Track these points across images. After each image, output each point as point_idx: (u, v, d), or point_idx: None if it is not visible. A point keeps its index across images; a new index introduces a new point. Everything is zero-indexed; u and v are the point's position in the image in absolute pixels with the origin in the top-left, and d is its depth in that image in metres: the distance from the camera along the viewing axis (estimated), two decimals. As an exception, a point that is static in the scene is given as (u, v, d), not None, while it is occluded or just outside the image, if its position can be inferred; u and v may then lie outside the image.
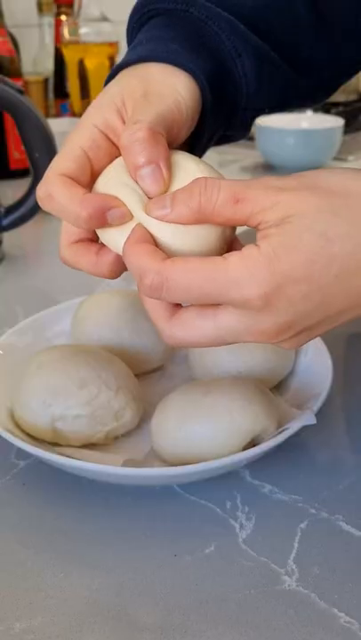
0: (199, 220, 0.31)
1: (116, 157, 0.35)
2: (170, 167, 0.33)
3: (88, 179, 0.34)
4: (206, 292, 0.29)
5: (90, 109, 0.36)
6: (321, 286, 0.29)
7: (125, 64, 0.37)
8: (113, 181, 0.33)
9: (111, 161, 0.35)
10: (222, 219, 0.30)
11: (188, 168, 0.34)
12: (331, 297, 0.30)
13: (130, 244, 0.31)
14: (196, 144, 0.40)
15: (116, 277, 0.35)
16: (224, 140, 0.45)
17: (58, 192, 0.33)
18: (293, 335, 0.31)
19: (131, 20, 0.41)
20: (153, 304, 0.32)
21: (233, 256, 0.29)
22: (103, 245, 0.35)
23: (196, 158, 0.35)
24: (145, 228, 0.31)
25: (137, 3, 0.40)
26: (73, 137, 0.35)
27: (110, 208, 0.32)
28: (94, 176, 0.35)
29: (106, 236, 0.34)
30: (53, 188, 0.33)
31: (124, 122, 0.35)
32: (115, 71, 0.38)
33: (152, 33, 0.38)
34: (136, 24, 0.41)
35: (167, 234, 0.31)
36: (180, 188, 0.31)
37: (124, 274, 0.35)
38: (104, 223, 0.32)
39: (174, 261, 0.30)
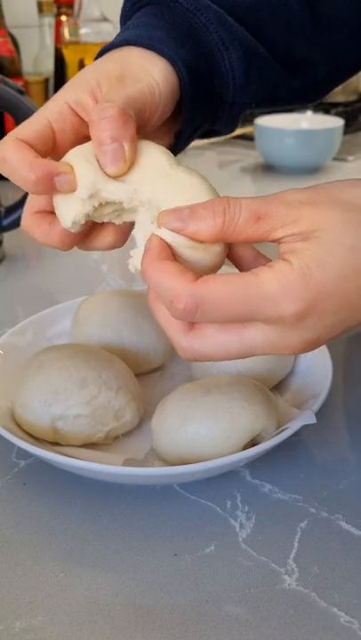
0: (219, 238, 0.30)
1: (84, 135, 0.35)
2: (134, 150, 0.33)
3: (48, 148, 0.35)
4: (241, 311, 0.29)
5: (64, 87, 0.36)
6: (350, 300, 0.29)
7: (110, 47, 0.38)
8: (75, 153, 0.34)
9: (77, 136, 0.35)
10: (243, 237, 0.30)
11: (153, 156, 0.34)
12: (355, 310, 0.30)
13: (152, 260, 0.30)
14: (178, 135, 0.40)
15: (67, 249, 0.36)
16: (211, 133, 0.44)
17: (10, 154, 0.32)
18: (313, 347, 0.31)
19: (124, 7, 0.41)
20: (168, 319, 0.31)
21: (265, 273, 0.29)
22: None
23: (163, 148, 0.35)
24: (162, 240, 0.31)
25: None
26: (42, 109, 0.35)
27: (58, 174, 0.32)
28: (58, 148, 0.35)
29: (55, 207, 0.34)
30: (7, 151, 0.33)
31: (96, 101, 0.35)
32: (99, 54, 0.38)
33: (140, 20, 0.39)
34: (128, 12, 0.41)
35: (180, 247, 0.31)
36: (199, 203, 0.31)
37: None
38: (51, 189, 0.32)
39: (207, 282, 0.29)
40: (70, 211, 0.33)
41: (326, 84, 0.48)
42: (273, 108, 0.46)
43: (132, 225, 0.37)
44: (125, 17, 0.41)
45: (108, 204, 0.34)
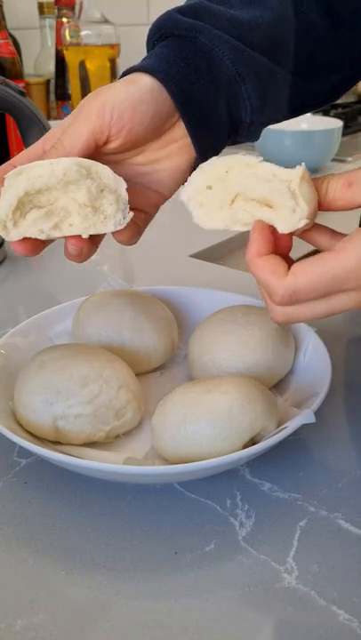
0: (323, 207, 0.36)
1: None
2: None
3: None
4: (329, 290, 0.34)
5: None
6: None
7: (130, 70, 0.42)
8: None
9: None
10: (343, 202, 0.36)
11: None
12: None
13: (252, 256, 0.36)
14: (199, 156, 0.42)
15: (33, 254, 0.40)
16: (232, 144, 0.47)
17: None
18: None
19: (150, 33, 0.44)
20: (266, 280, 0.36)
21: (345, 248, 0.33)
22: None
23: None
24: (266, 229, 0.36)
25: (154, 24, 0.43)
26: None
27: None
28: None
29: None
30: None
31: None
32: (122, 75, 0.42)
33: (162, 50, 0.41)
34: (155, 39, 0.43)
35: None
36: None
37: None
38: None
39: (296, 275, 0.34)
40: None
41: (345, 84, 0.49)
42: (293, 117, 0.48)
43: (144, 222, 0.43)
44: (152, 43, 0.44)
45: (34, 207, 0.38)
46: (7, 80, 0.68)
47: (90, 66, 1.17)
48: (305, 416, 0.39)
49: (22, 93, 0.68)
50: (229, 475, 0.41)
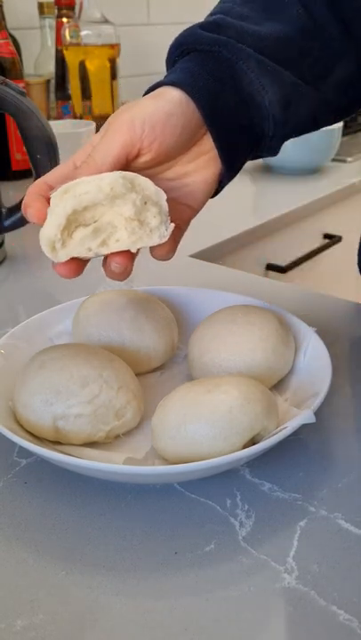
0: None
1: None
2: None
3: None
4: None
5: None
6: None
7: (157, 85, 0.42)
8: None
9: None
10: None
11: None
12: None
13: None
14: (225, 168, 0.43)
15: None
16: (254, 158, 0.47)
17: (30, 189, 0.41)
18: None
19: (170, 51, 0.44)
20: None
21: None
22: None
23: None
24: None
25: (175, 41, 0.43)
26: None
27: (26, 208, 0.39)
28: None
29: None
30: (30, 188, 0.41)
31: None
32: (147, 91, 0.43)
33: (186, 65, 0.42)
34: (176, 56, 0.44)
35: None
36: None
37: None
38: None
39: None
40: (44, 231, 0.37)
41: None
42: (317, 129, 0.48)
43: (179, 236, 0.43)
44: (172, 60, 0.44)
45: (79, 225, 0.38)
46: (7, 80, 0.68)
47: (90, 66, 1.17)
48: (305, 416, 0.39)
49: (22, 93, 0.68)
50: (229, 475, 0.41)
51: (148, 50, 1.50)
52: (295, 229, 1.05)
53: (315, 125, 0.47)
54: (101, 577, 0.35)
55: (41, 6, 1.27)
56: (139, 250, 0.40)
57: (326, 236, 1.15)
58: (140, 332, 0.50)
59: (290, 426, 0.39)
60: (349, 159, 1.25)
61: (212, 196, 0.45)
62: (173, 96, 0.40)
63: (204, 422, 0.39)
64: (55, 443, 0.43)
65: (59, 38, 1.20)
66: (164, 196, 0.39)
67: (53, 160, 0.69)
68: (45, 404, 0.42)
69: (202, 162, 0.42)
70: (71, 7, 1.21)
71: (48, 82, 1.24)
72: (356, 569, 0.35)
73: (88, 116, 1.19)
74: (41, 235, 0.38)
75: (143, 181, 0.38)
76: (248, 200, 1.09)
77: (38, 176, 0.71)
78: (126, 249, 0.38)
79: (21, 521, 0.38)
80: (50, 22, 1.27)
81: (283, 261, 1.03)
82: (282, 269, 1.02)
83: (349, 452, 0.44)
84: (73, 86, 1.19)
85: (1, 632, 0.32)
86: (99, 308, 0.51)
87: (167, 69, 0.44)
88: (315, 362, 0.47)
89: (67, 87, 1.23)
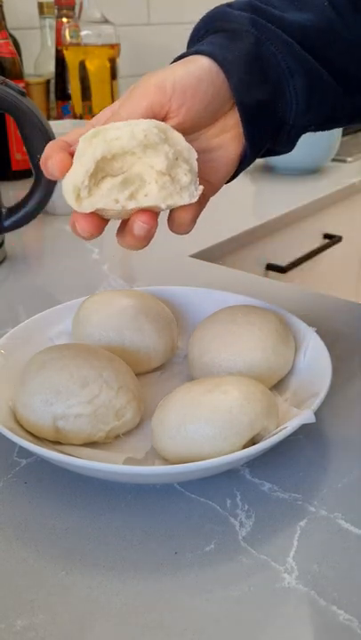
0: None
1: None
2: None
3: None
4: None
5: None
6: None
7: (185, 54, 0.41)
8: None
9: None
10: None
11: None
12: None
13: None
14: (242, 158, 0.42)
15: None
16: (270, 153, 0.47)
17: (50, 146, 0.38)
18: None
19: (196, 29, 0.43)
20: None
21: None
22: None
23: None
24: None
25: (202, 19, 0.43)
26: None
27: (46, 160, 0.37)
28: None
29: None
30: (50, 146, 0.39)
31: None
32: (177, 58, 0.41)
33: (215, 39, 0.41)
34: (201, 35, 0.43)
35: None
36: None
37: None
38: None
39: None
40: (69, 178, 0.34)
41: None
42: (333, 128, 0.48)
43: (198, 212, 0.39)
44: (198, 38, 0.43)
45: (106, 175, 0.35)
46: (7, 80, 0.68)
47: (90, 66, 1.17)
48: (305, 416, 0.39)
49: (22, 93, 0.68)
50: (229, 475, 0.41)
51: (148, 50, 1.50)
52: (295, 229, 1.05)
53: (332, 121, 0.46)
54: (101, 577, 0.35)
55: (41, 6, 1.27)
56: (159, 214, 0.37)
57: (326, 236, 1.15)
58: (140, 332, 0.50)
59: (290, 426, 0.39)
60: (349, 159, 1.25)
61: (228, 181, 0.44)
62: (203, 64, 0.39)
63: (204, 422, 0.39)
64: (55, 443, 0.43)
65: (59, 38, 1.20)
66: (195, 155, 0.36)
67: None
68: (45, 404, 0.42)
69: (226, 138, 0.41)
70: (71, 7, 1.21)
71: (48, 82, 1.24)
72: (356, 569, 0.35)
73: (88, 116, 1.19)
74: (64, 182, 0.35)
75: (176, 135, 0.36)
76: (248, 200, 1.09)
77: (38, 176, 0.71)
78: (155, 205, 0.35)
79: (21, 521, 0.38)
80: (50, 22, 1.27)
81: (283, 261, 1.03)
82: (282, 269, 1.02)
83: (349, 452, 0.44)
84: (73, 86, 1.19)
85: (1, 632, 0.32)
86: (99, 308, 0.51)
87: (190, 45, 0.43)
88: (315, 362, 0.47)
89: (67, 87, 1.23)
